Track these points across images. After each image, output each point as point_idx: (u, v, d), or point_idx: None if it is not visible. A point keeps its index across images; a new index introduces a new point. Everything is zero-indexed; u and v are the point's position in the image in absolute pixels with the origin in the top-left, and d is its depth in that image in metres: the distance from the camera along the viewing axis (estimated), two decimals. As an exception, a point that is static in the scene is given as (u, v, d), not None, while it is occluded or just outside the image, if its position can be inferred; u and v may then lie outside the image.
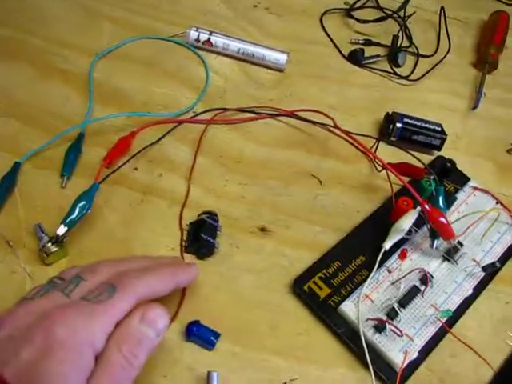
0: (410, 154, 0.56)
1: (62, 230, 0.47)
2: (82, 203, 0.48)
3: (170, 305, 0.46)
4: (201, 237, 0.50)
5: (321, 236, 0.54)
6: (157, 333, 0.36)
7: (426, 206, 0.49)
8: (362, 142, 0.55)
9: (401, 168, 0.54)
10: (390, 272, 0.51)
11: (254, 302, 0.49)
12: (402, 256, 0.51)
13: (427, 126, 0.62)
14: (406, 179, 0.51)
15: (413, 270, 0.50)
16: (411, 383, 0.46)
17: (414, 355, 0.47)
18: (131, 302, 0.36)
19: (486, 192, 0.59)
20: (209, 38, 0.65)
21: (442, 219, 0.49)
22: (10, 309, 0.35)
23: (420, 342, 0.47)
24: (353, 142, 0.56)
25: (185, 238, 0.51)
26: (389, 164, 0.54)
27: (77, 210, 0.47)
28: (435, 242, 0.51)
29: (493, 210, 0.56)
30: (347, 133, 0.56)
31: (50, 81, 0.60)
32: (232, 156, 0.58)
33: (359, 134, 0.59)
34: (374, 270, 0.49)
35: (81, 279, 0.37)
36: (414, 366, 0.47)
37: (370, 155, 0.55)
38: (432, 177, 0.53)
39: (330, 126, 0.60)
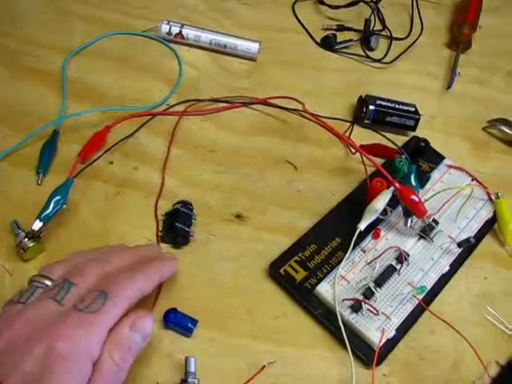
0: (383, 135, 0.56)
1: (37, 225, 0.47)
2: (57, 198, 0.48)
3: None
4: (175, 226, 0.50)
5: (297, 220, 0.54)
6: (144, 338, 0.39)
7: (397, 185, 0.49)
8: (332, 127, 0.55)
9: (373, 149, 0.55)
10: (365, 252, 0.51)
11: (230, 287, 0.49)
12: (376, 236, 0.52)
13: (401, 107, 0.62)
14: (379, 160, 0.52)
15: (388, 249, 0.51)
16: (390, 361, 0.47)
17: (391, 333, 0.47)
18: (123, 309, 0.38)
19: (461, 169, 0.59)
20: (180, 31, 0.65)
21: (413, 197, 0.49)
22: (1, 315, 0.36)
23: (397, 320, 0.48)
24: (325, 126, 0.56)
25: (160, 229, 0.51)
26: (361, 146, 0.55)
27: (51, 204, 0.48)
28: (409, 220, 0.52)
29: (467, 186, 0.56)
30: (317, 117, 0.57)
31: (24, 80, 0.61)
32: (206, 146, 0.58)
33: (333, 118, 0.60)
34: (349, 251, 0.49)
35: (70, 284, 0.38)
36: (392, 343, 0.47)
37: (346, 139, 0.55)
38: (404, 156, 0.53)
39: (303, 112, 0.60)
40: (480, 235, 0.56)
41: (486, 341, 0.50)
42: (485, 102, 0.70)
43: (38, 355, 0.33)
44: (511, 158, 0.65)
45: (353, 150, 0.59)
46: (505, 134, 0.66)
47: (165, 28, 0.65)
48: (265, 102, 0.61)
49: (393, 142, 0.55)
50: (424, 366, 0.48)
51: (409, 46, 0.72)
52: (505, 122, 0.66)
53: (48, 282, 0.38)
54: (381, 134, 0.57)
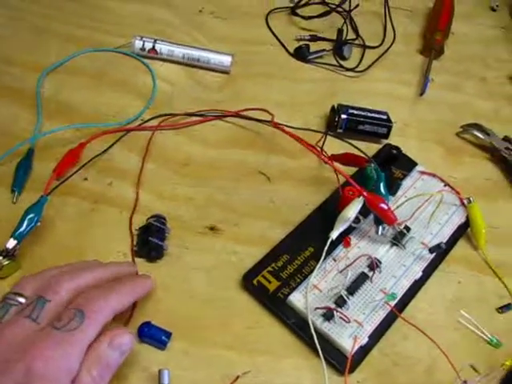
0: (352, 144, 0.57)
1: (11, 243, 0.47)
2: (31, 216, 0.49)
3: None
4: (149, 240, 0.50)
5: (270, 231, 0.54)
6: (122, 354, 0.39)
7: (365, 194, 0.50)
8: (301, 138, 0.56)
9: (344, 158, 0.56)
10: (337, 261, 0.52)
11: (204, 299, 0.49)
12: (346, 244, 0.52)
13: (373, 115, 0.63)
14: (352, 169, 0.52)
15: (359, 257, 0.51)
16: (364, 368, 0.47)
17: (364, 340, 0.48)
18: (100, 326, 0.38)
19: (434, 175, 0.60)
20: (153, 46, 0.66)
21: (381, 205, 0.50)
22: None
23: (369, 327, 0.48)
24: (294, 137, 0.57)
25: (135, 243, 0.52)
26: (332, 156, 0.55)
27: (25, 222, 0.48)
28: (380, 227, 0.52)
29: (437, 193, 0.57)
30: (286, 129, 0.57)
31: (-1, 99, 0.61)
32: (180, 160, 0.59)
33: (303, 129, 0.60)
34: (321, 260, 0.50)
35: (44, 301, 0.38)
36: (365, 350, 0.48)
37: (314, 150, 0.56)
38: (372, 164, 0.53)
39: (273, 123, 0.61)
40: (453, 240, 0.57)
41: (460, 345, 0.51)
42: (458, 108, 0.71)
43: (18, 376, 0.33)
44: (484, 163, 0.66)
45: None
46: (478, 138, 0.66)
47: (138, 43, 0.66)
48: (237, 115, 0.61)
49: (361, 151, 0.56)
50: (398, 372, 0.48)
51: (382, 54, 0.73)
52: (478, 126, 0.67)
53: (21, 299, 0.39)
54: (350, 144, 0.57)
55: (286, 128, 0.58)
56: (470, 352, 0.50)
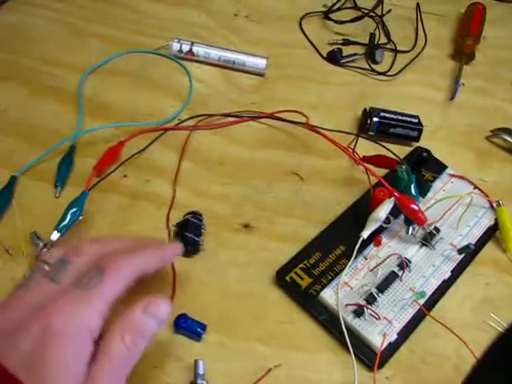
0: (384, 146, 0.58)
1: (55, 235, 0.50)
2: (73, 210, 0.51)
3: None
4: (185, 236, 0.52)
5: (303, 229, 0.56)
6: (158, 323, 0.37)
7: (396, 194, 0.51)
8: (333, 140, 0.57)
9: (375, 160, 0.57)
10: (367, 259, 0.53)
11: (239, 294, 0.51)
12: (377, 243, 0.53)
13: (404, 118, 0.64)
14: (383, 171, 0.54)
15: (389, 256, 0.52)
16: (393, 364, 0.49)
17: (393, 337, 0.49)
18: (122, 284, 0.38)
19: (463, 178, 0.61)
20: (191, 49, 0.68)
21: (412, 206, 0.51)
22: (3, 301, 0.36)
23: (399, 325, 0.49)
24: (328, 139, 0.58)
25: (172, 238, 0.54)
26: (364, 157, 0.57)
27: (68, 216, 0.51)
28: (410, 228, 0.53)
29: (467, 195, 0.58)
30: (320, 130, 0.58)
31: (42, 98, 0.64)
32: (216, 159, 0.61)
33: (336, 131, 0.62)
34: (352, 258, 0.51)
35: (67, 263, 0.38)
36: (394, 347, 0.49)
37: (347, 151, 0.57)
38: (404, 166, 0.55)
39: (308, 125, 0.62)
40: (481, 242, 0.57)
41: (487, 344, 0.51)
42: (488, 112, 0.71)
43: (35, 334, 0.33)
44: (514, 167, 0.67)
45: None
46: (508, 142, 0.67)
47: (176, 46, 0.68)
48: (271, 116, 0.63)
49: (393, 153, 0.57)
50: (426, 369, 0.49)
51: (413, 59, 0.74)
52: (508, 131, 0.67)
53: (46, 266, 0.38)
54: (382, 146, 0.59)
55: (320, 130, 0.59)
56: (497, 352, 0.51)
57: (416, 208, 0.51)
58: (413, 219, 0.52)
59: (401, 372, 0.49)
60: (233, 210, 0.57)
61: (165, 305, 0.38)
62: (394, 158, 0.56)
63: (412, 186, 0.54)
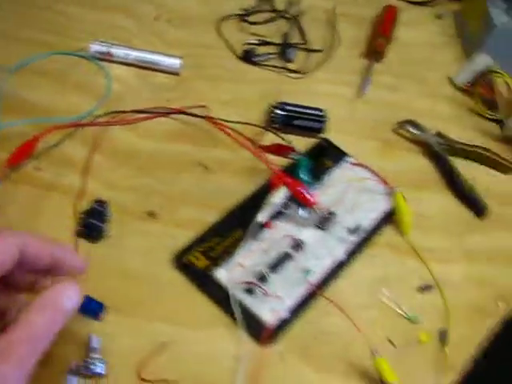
0: (281, 138, 0.61)
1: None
2: (-21, 199, 0.54)
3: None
4: (89, 222, 0.55)
5: (205, 217, 0.58)
6: (72, 309, 0.38)
7: (284, 178, 0.54)
8: (235, 131, 0.60)
9: (272, 149, 0.60)
10: (262, 242, 0.56)
11: (140, 278, 0.54)
12: (268, 225, 0.56)
13: (308, 111, 0.67)
14: (285, 161, 0.57)
15: (282, 237, 0.55)
16: (286, 340, 0.51)
17: (284, 314, 0.52)
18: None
19: (363, 166, 0.64)
20: (109, 50, 0.71)
21: (298, 188, 0.54)
22: None
23: (289, 302, 0.52)
24: (229, 131, 0.61)
25: (79, 226, 0.56)
26: (260, 147, 0.60)
27: (-26, 206, 0.53)
28: (300, 210, 0.56)
29: (361, 179, 0.60)
30: (219, 123, 0.61)
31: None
32: (126, 153, 0.63)
33: (241, 123, 0.65)
34: (245, 239, 0.54)
35: None
36: (285, 324, 0.52)
37: (245, 142, 0.60)
38: (295, 152, 0.58)
39: (208, 118, 0.65)
40: (378, 226, 0.60)
41: (380, 322, 0.54)
42: (396, 107, 0.75)
43: None
44: (416, 156, 0.70)
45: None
46: (412, 134, 0.71)
47: (95, 48, 0.71)
48: (180, 111, 0.66)
49: (284, 140, 0.60)
50: (318, 346, 0.52)
51: (325, 58, 0.78)
52: (412, 123, 0.71)
53: None
54: (280, 137, 0.61)
55: (222, 122, 0.62)
56: (388, 327, 0.54)
57: (302, 190, 0.54)
58: (301, 201, 0.55)
59: (293, 348, 0.51)
60: (139, 199, 0.59)
61: (75, 289, 0.39)
62: (288, 145, 0.59)
63: (300, 169, 0.56)
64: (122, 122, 0.66)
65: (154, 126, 0.67)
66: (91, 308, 0.50)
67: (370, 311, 0.55)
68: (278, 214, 0.57)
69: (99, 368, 0.46)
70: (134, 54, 0.71)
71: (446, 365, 0.52)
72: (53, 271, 0.42)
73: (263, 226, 0.56)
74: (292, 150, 0.58)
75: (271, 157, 0.60)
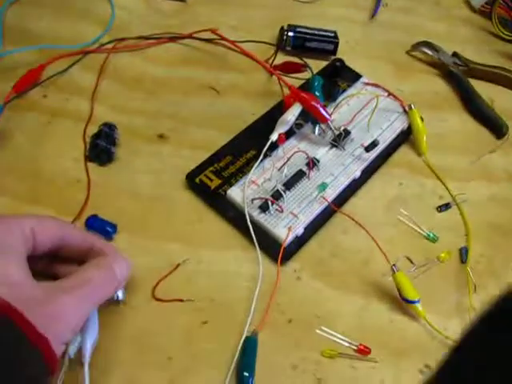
0: (297, 56, 0.59)
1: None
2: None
3: (73, 204, 0.51)
4: (98, 143, 0.54)
5: (216, 138, 0.57)
6: (123, 278, 0.42)
7: (299, 94, 0.52)
8: (248, 52, 0.57)
9: (284, 67, 0.58)
10: (276, 160, 0.54)
11: (150, 198, 0.53)
12: (281, 140, 0.54)
13: (320, 32, 0.65)
14: (298, 81, 0.55)
15: (295, 153, 0.54)
16: (301, 258, 0.50)
17: (299, 231, 0.50)
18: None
19: (377, 86, 0.62)
20: (112, -24, 0.69)
21: (313, 103, 0.52)
22: None
23: (305, 219, 0.51)
24: (242, 50, 0.59)
25: (88, 149, 0.55)
26: (274, 66, 0.58)
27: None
28: (316, 127, 0.55)
29: (375, 94, 0.58)
30: (235, 43, 0.59)
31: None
32: (134, 78, 0.62)
33: (250, 41, 0.63)
34: (260, 157, 0.52)
35: None
36: (301, 240, 0.51)
37: (258, 61, 0.58)
38: (307, 68, 0.56)
39: (225, 41, 0.63)
40: (395, 145, 0.59)
41: (398, 239, 0.53)
42: (410, 29, 0.73)
43: None
44: (432, 77, 0.68)
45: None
46: (427, 55, 0.69)
47: (98, -26, 0.69)
48: (189, 36, 0.64)
49: (304, 61, 0.58)
50: (335, 262, 0.51)
51: (336, -19, 0.75)
52: (428, 44, 0.69)
53: None
54: (296, 57, 0.60)
55: (232, 41, 0.60)
56: (407, 246, 0.53)
57: (317, 105, 0.52)
58: (316, 117, 0.53)
59: (309, 265, 0.50)
60: (148, 122, 0.58)
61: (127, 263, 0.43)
62: (300, 62, 0.57)
63: (315, 86, 0.55)
64: (129, 47, 0.64)
65: (162, 51, 0.65)
66: (103, 228, 0.49)
67: (388, 230, 0.54)
68: (291, 132, 0.56)
69: (120, 293, 0.45)
70: (138, -20, 0.69)
71: (468, 283, 0.51)
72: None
73: (277, 143, 0.54)
74: (305, 66, 0.56)
75: (284, 78, 0.58)
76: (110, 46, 0.64)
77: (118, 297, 0.44)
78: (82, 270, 0.39)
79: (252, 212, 0.50)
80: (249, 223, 0.49)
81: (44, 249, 0.40)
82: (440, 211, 0.56)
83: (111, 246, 0.43)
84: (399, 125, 0.59)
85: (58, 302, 0.36)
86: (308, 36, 0.64)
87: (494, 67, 0.68)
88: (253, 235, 0.49)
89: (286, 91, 0.58)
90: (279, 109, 0.58)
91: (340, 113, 0.58)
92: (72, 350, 0.39)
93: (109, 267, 0.40)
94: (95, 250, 0.42)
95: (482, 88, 0.67)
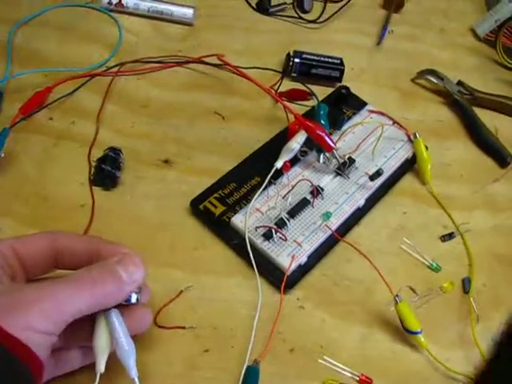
0: (303, 83, 0.59)
1: (-27, 172, 0.51)
2: (-7, 147, 0.53)
3: (77, 228, 0.51)
4: (103, 168, 0.54)
5: (221, 164, 0.57)
6: (130, 279, 0.38)
7: (304, 122, 0.52)
8: (253, 78, 0.57)
9: (290, 94, 0.58)
10: (280, 188, 0.54)
11: (155, 224, 0.52)
12: (286, 168, 0.54)
13: (326, 59, 0.65)
14: (302, 108, 0.55)
15: (300, 181, 0.54)
16: (304, 287, 0.50)
17: (303, 259, 0.50)
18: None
19: (382, 114, 0.63)
20: (120, 0, 0.69)
21: (318, 131, 0.52)
22: None
23: (308, 247, 0.51)
24: (248, 77, 0.59)
25: (92, 173, 0.55)
26: (280, 93, 0.58)
27: (-13, 153, 0.52)
28: (321, 156, 0.55)
29: (380, 123, 0.58)
30: (239, 70, 0.59)
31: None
32: (140, 101, 0.62)
33: (255, 68, 0.63)
34: (264, 184, 0.52)
35: None
36: (304, 269, 0.51)
37: (264, 88, 0.58)
38: (313, 96, 0.56)
39: (231, 68, 0.63)
40: (399, 173, 0.59)
41: (401, 269, 0.53)
42: (415, 57, 0.73)
43: None
44: (437, 106, 0.68)
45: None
46: (432, 83, 0.69)
47: (106, -2, 0.70)
48: (196, 61, 0.65)
49: (310, 89, 0.58)
50: (338, 292, 0.51)
51: (342, 6, 0.76)
52: (433, 72, 0.69)
53: None
54: (302, 83, 0.60)
55: (241, 69, 0.60)
56: (410, 276, 0.53)
57: (322, 134, 0.52)
58: (321, 146, 0.53)
59: (312, 294, 0.50)
60: (154, 147, 0.58)
61: (140, 264, 0.40)
62: (305, 90, 0.57)
63: (321, 114, 0.55)
64: (135, 71, 0.64)
65: (168, 75, 0.65)
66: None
67: (392, 259, 0.54)
68: (296, 160, 0.56)
69: (134, 297, 0.44)
70: (145, 4, 0.70)
71: (470, 313, 0.50)
72: None
73: (281, 171, 0.54)
74: (310, 94, 0.56)
75: (289, 104, 0.58)
76: (116, 69, 0.64)
77: (130, 300, 0.41)
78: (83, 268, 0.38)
79: (256, 240, 0.50)
80: (250, 251, 0.49)
81: (34, 262, 0.39)
82: (444, 241, 0.56)
83: (120, 248, 0.41)
84: (404, 153, 0.60)
85: (25, 291, 0.34)
86: (314, 63, 0.65)
87: (499, 96, 0.69)
88: (253, 263, 0.49)
89: (291, 118, 0.58)
90: (284, 135, 0.58)
91: (345, 141, 0.59)
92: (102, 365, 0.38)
93: (110, 268, 0.38)
94: (104, 254, 0.40)
95: (487, 117, 0.67)
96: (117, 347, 0.38)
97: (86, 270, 0.37)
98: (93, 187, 0.54)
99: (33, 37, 0.67)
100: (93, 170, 0.55)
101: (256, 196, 0.52)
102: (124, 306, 0.40)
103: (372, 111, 0.63)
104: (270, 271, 0.50)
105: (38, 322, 0.33)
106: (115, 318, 0.39)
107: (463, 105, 0.67)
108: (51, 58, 0.65)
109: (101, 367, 0.38)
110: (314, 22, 0.74)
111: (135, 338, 0.40)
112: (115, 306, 0.39)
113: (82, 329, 0.37)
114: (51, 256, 0.40)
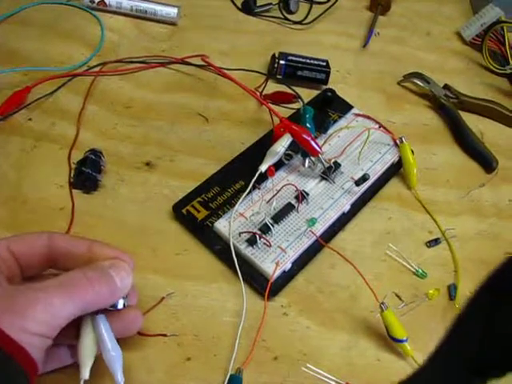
0: (288, 86, 0.58)
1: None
2: (-30, 149, 0.51)
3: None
4: (83, 171, 0.52)
5: (204, 167, 0.56)
6: (122, 285, 0.38)
7: (290, 126, 0.51)
8: (237, 80, 0.56)
9: (275, 97, 0.57)
10: (264, 192, 0.53)
11: (136, 228, 0.51)
12: (270, 173, 0.53)
13: (311, 61, 0.65)
14: (289, 111, 0.54)
15: (284, 186, 0.53)
16: (289, 293, 0.49)
17: (287, 266, 0.49)
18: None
19: (368, 117, 0.62)
20: (102, -1, 0.68)
21: (304, 136, 0.51)
22: None
23: (293, 254, 0.50)
24: (232, 79, 0.58)
25: (72, 176, 0.54)
26: (264, 95, 0.57)
27: (-37, 155, 0.51)
28: (306, 160, 0.54)
29: (366, 128, 0.58)
30: (223, 72, 0.58)
31: None
32: (122, 102, 0.61)
33: (240, 69, 0.62)
34: (248, 189, 0.51)
35: None
36: (288, 276, 0.50)
37: (248, 91, 0.57)
38: (298, 99, 0.55)
39: (215, 68, 0.62)
40: (385, 178, 0.58)
41: (386, 275, 0.52)
42: (401, 59, 0.73)
43: None
44: (423, 109, 0.68)
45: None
46: (418, 86, 0.68)
47: (88, -4, 0.68)
48: (179, 61, 0.63)
49: (295, 92, 0.57)
50: (322, 298, 0.50)
51: (327, 8, 0.75)
52: (419, 75, 0.69)
53: None
54: (287, 86, 0.59)
55: (225, 71, 0.59)
56: (395, 282, 0.52)
57: (308, 138, 0.51)
58: (306, 150, 0.52)
59: (296, 300, 0.49)
60: (136, 149, 0.57)
61: (129, 271, 0.40)
62: (290, 92, 0.56)
63: (306, 117, 0.54)
64: (118, 71, 0.63)
65: (151, 75, 0.64)
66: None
67: (377, 265, 0.53)
68: (281, 163, 0.55)
69: (121, 303, 0.43)
70: (128, 3, 0.68)
71: (456, 320, 0.50)
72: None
73: (266, 175, 0.53)
74: (296, 96, 0.55)
75: (274, 107, 0.58)
76: (98, 69, 0.63)
77: (116, 306, 0.40)
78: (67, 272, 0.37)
79: (239, 245, 0.49)
80: (234, 258, 0.48)
81: (31, 262, 0.39)
82: (429, 247, 0.55)
83: (114, 252, 0.41)
84: (390, 158, 0.59)
85: (22, 293, 0.34)
86: (300, 65, 0.64)
87: (484, 100, 0.68)
88: (238, 270, 0.48)
89: (276, 120, 0.57)
90: (269, 138, 0.57)
91: (331, 144, 0.58)
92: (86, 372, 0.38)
93: (104, 272, 0.38)
94: (96, 256, 0.40)
95: (472, 121, 0.67)
96: (104, 353, 0.38)
97: (80, 271, 0.37)
98: (73, 190, 0.53)
99: (12, 34, 0.65)
100: (73, 172, 0.54)
101: (240, 200, 0.51)
102: (110, 311, 0.39)
103: (358, 114, 0.62)
104: (253, 277, 0.49)
105: (33, 325, 0.33)
106: (102, 323, 0.38)
107: (449, 109, 0.66)
108: (31, 56, 0.64)
109: (85, 374, 0.38)
110: (299, 23, 0.73)
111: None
112: (102, 311, 0.38)
113: (70, 327, 0.37)
114: (47, 256, 0.40)
